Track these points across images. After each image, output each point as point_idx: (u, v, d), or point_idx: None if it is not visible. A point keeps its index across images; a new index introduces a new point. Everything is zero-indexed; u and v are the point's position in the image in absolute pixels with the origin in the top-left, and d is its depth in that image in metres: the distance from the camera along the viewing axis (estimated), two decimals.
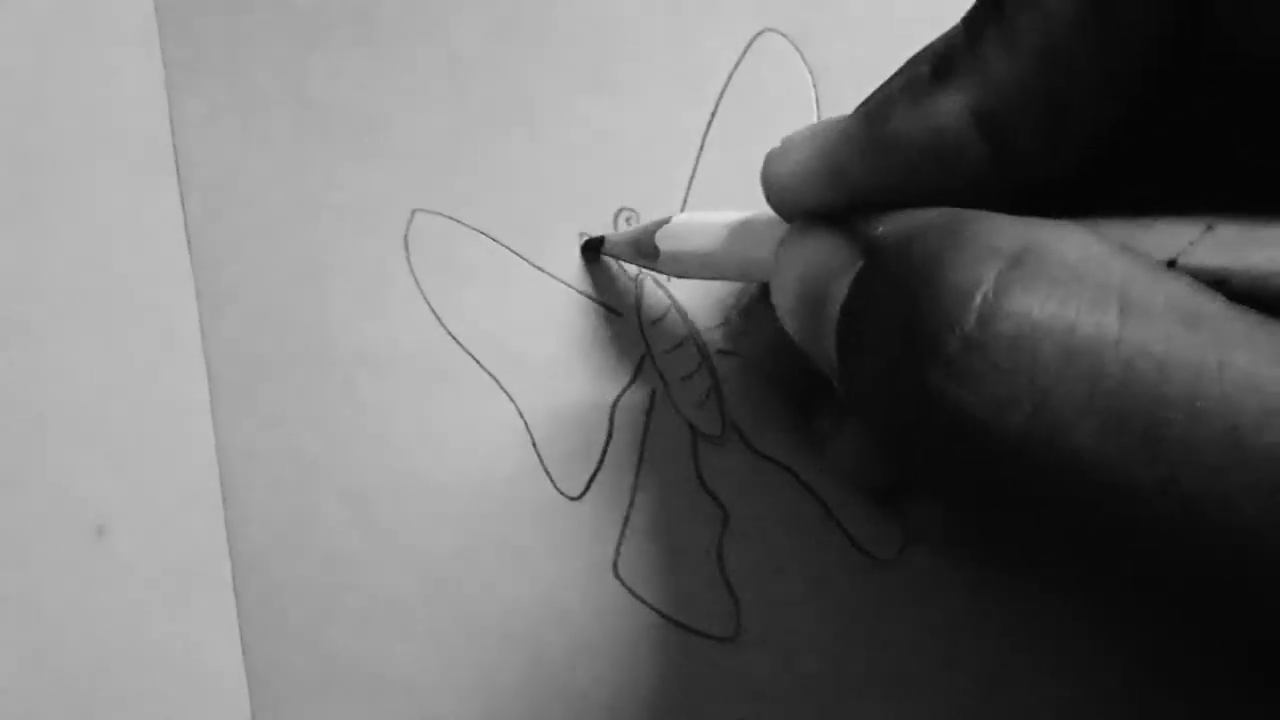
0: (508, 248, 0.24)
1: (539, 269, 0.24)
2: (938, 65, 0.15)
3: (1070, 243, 0.13)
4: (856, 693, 0.23)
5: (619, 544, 0.23)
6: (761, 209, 0.19)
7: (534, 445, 0.23)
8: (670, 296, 0.24)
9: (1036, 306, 0.13)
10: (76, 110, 0.24)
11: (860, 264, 0.15)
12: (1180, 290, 0.13)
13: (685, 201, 0.24)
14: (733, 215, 0.21)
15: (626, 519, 0.23)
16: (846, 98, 0.25)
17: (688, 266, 0.21)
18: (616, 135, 0.24)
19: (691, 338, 0.24)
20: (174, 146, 0.24)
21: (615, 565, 0.23)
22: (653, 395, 0.24)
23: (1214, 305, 0.13)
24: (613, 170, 0.24)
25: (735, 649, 0.23)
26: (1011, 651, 0.24)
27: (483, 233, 0.24)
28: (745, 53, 0.25)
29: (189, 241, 0.24)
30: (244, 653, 0.23)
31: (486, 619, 0.23)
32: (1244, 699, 0.23)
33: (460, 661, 0.23)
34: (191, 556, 0.23)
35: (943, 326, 0.13)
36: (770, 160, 0.18)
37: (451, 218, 0.24)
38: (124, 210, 0.24)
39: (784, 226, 0.18)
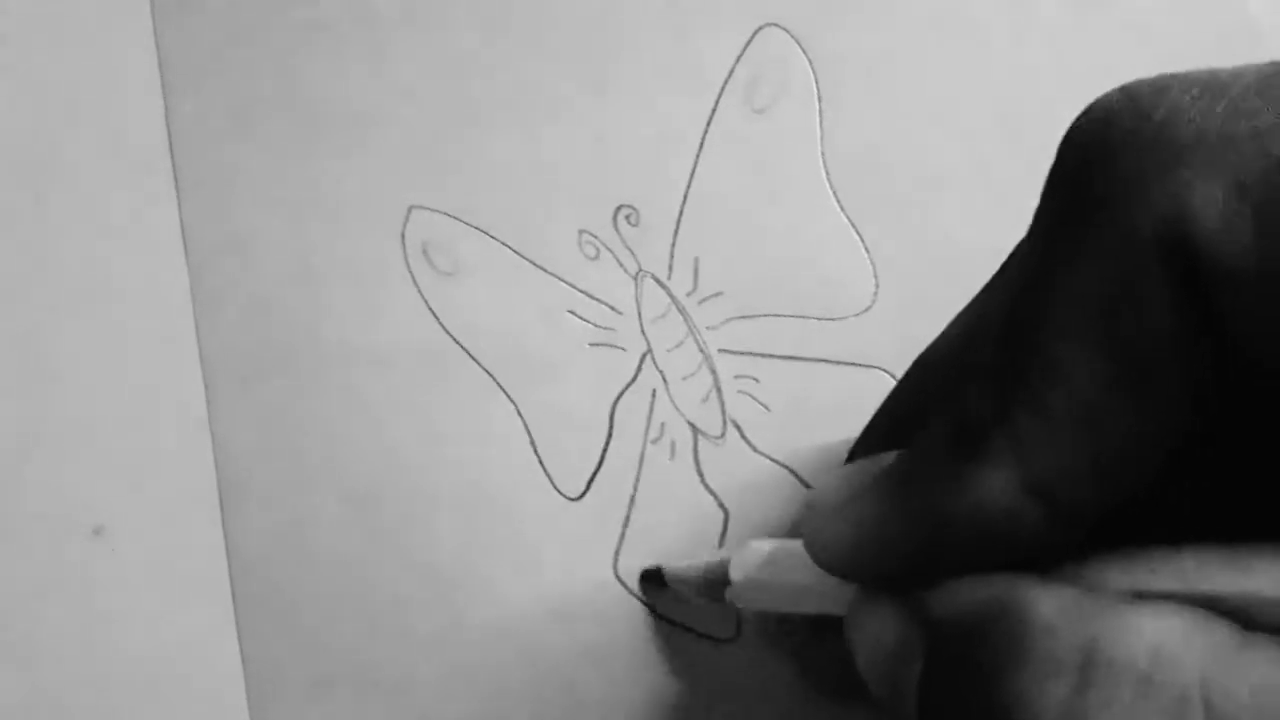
0: (507, 245, 0.24)
1: (539, 267, 0.24)
2: (962, 438, 0.15)
3: (1141, 635, 0.13)
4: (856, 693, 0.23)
5: (619, 544, 0.23)
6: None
7: (534, 445, 0.23)
8: (671, 296, 0.24)
9: None
10: (74, 110, 0.24)
11: (926, 652, 0.15)
12: (1271, 671, 0.12)
13: (685, 201, 0.24)
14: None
15: (626, 519, 0.23)
16: (848, 93, 0.25)
17: (766, 598, 0.20)
18: (616, 134, 0.24)
19: (692, 337, 0.24)
20: (170, 146, 0.24)
21: (615, 565, 0.23)
22: (653, 395, 0.24)
23: None
24: (612, 169, 0.24)
25: (735, 649, 0.23)
26: None
27: (481, 230, 0.24)
28: (746, 48, 0.25)
29: (185, 241, 0.24)
30: (243, 653, 0.22)
31: (486, 619, 0.23)
32: None
33: (460, 662, 0.23)
34: (190, 556, 0.23)
35: None
36: (809, 532, 0.17)
37: (449, 215, 0.24)
38: (121, 210, 0.23)
39: None
